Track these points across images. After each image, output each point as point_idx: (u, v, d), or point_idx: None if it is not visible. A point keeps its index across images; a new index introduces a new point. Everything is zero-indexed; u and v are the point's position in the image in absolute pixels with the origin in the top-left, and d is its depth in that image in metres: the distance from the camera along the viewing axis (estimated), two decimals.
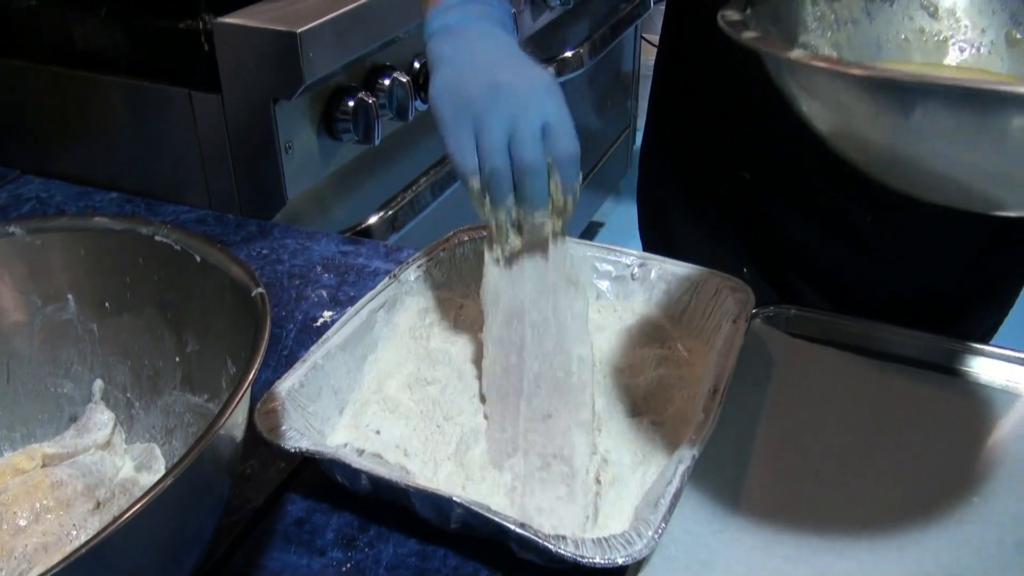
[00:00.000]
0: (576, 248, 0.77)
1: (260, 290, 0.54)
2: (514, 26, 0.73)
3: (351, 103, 1.04)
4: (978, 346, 0.77)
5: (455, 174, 0.67)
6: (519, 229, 0.67)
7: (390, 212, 1.22)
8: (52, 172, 1.12)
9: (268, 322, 0.51)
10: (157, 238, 0.62)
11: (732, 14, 0.55)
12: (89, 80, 1.06)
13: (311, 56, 0.93)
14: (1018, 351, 0.76)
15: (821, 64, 0.48)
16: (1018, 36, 0.67)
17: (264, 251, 0.94)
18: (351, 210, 1.19)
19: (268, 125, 0.97)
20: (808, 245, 0.95)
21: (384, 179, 1.24)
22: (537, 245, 0.67)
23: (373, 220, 1.19)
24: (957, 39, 0.68)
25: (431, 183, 1.29)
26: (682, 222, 1.00)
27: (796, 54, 0.48)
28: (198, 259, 0.60)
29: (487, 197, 0.65)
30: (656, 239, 1.04)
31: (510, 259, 0.68)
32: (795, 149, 0.74)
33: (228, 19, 0.94)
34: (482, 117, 0.64)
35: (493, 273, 0.69)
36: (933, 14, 0.68)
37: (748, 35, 0.52)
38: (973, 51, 0.67)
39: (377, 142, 1.07)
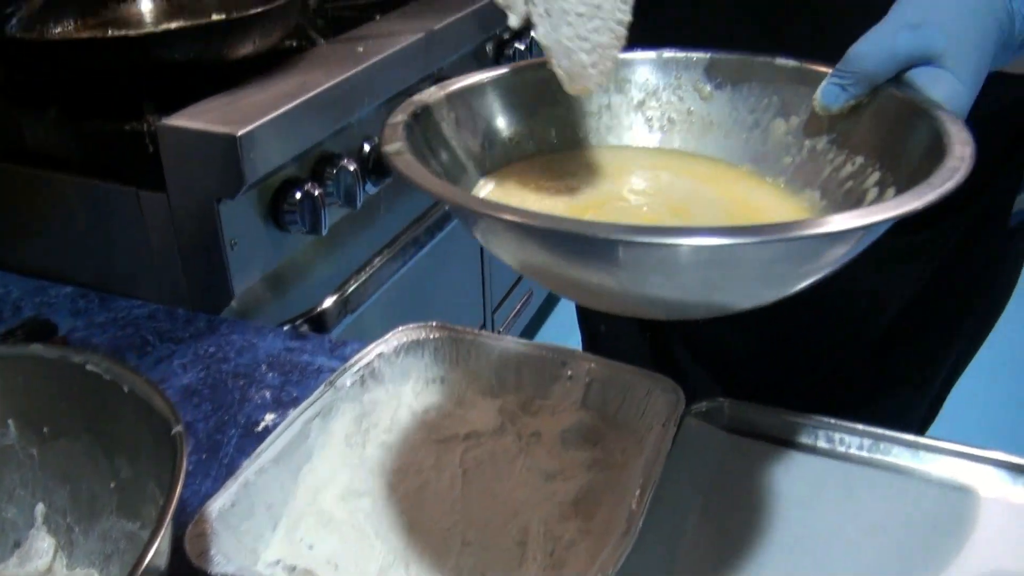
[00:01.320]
0: (511, 345, 0.78)
1: (179, 428, 0.55)
2: None
3: (298, 195, 1.06)
4: (920, 440, 0.76)
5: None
6: None
7: (344, 295, 1.23)
8: (9, 264, 1.13)
9: (184, 462, 0.53)
10: (88, 367, 0.63)
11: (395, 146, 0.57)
12: (41, 177, 1.08)
13: (252, 157, 0.95)
14: (959, 445, 0.75)
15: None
16: (709, 89, 0.71)
17: (211, 349, 0.95)
18: (304, 294, 1.20)
19: (213, 223, 0.99)
20: (719, 336, 0.99)
21: (337, 262, 1.26)
22: None
23: (327, 304, 1.21)
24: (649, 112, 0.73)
25: (384, 262, 1.31)
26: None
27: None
28: (125, 389, 0.61)
29: None
30: (589, 330, 1.07)
31: None
32: None
33: (172, 121, 0.96)
34: None
35: None
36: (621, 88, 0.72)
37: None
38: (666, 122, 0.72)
39: (324, 232, 1.09)
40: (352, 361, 0.80)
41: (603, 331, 1.16)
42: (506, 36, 1.62)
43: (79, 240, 1.10)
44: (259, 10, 1.04)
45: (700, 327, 1.02)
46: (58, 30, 1.23)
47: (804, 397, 0.90)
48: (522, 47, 1.63)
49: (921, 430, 1.00)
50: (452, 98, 0.68)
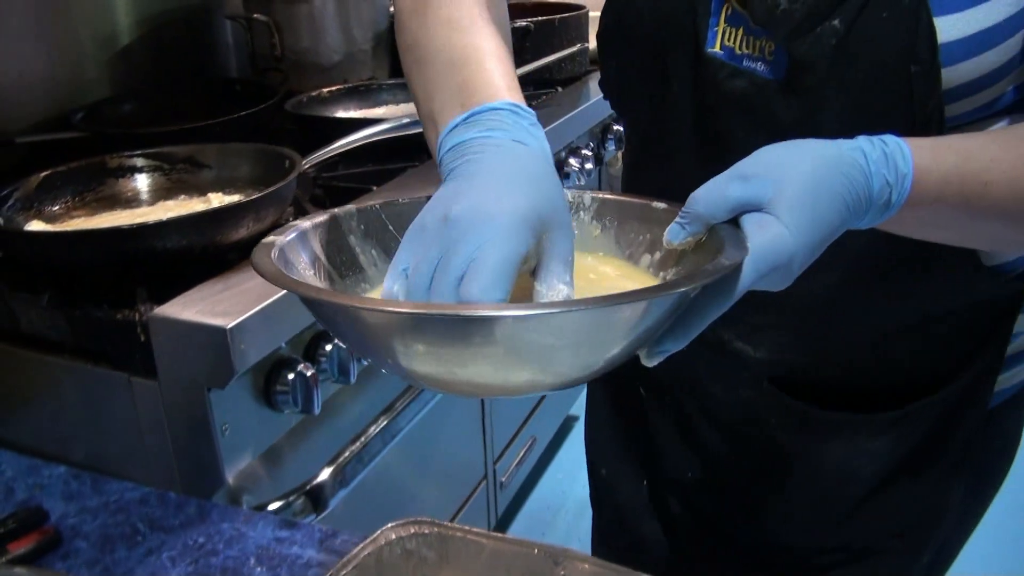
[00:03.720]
0: (502, 545, 0.77)
1: None
2: (539, 132, 0.70)
3: (290, 376, 1.06)
4: None
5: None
6: None
7: (339, 467, 1.22)
8: (3, 441, 1.13)
9: None
10: None
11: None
12: (34, 359, 1.08)
13: (242, 348, 0.95)
14: None
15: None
16: (598, 232, 0.77)
17: (200, 539, 0.94)
18: (298, 467, 1.19)
19: (203, 410, 0.99)
20: (681, 467, 1.04)
21: (330, 433, 1.25)
22: None
23: (323, 477, 1.19)
24: None
25: (380, 430, 1.30)
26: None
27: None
28: None
29: None
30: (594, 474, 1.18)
31: None
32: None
33: (163, 311, 0.97)
34: (419, 252, 0.60)
35: None
36: None
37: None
38: None
39: (317, 411, 1.08)
40: (340, 564, 0.79)
41: (604, 475, 1.19)
42: None
43: (72, 421, 1.10)
44: (255, 196, 1.06)
45: (690, 487, 1.05)
46: (56, 208, 1.25)
47: (780, 557, 0.93)
48: None
49: None
50: (361, 212, 0.74)
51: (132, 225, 0.99)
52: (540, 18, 2.00)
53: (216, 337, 0.94)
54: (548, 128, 1.55)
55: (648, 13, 0.87)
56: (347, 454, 1.25)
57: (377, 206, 0.75)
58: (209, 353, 0.95)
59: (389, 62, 2.01)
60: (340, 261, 0.73)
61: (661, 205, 0.74)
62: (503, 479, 2.02)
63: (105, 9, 1.74)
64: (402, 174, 1.45)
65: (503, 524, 2.21)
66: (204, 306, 0.97)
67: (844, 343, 0.90)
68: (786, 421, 0.95)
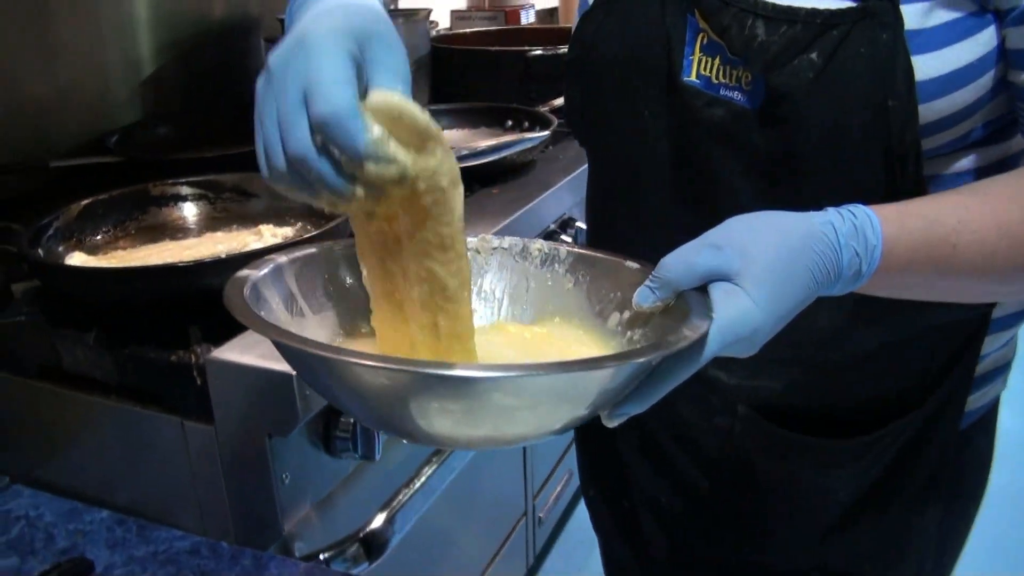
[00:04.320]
0: None
1: None
2: None
3: (350, 420, 1.00)
4: None
5: None
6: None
7: (392, 512, 1.16)
8: (42, 482, 1.07)
9: None
10: None
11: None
12: (77, 400, 1.03)
13: (307, 394, 0.89)
14: None
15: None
16: (570, 286, 0.79)
17: None
18: (352, 513, 1.13)
19: (263, 459, 0.93)
20: (652, 491, 1.06)
21: (383, 478, 1.19)
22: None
23: (377, 524, 1.13)
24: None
25: (432, 474, 1.24)
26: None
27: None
28: None
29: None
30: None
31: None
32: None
33: (221, 354, 0.91)
34: (260, 100, 0.60)
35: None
36: None
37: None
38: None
39: (378, 457, 1.02)
40: None
41: (591, 495, 1.22)
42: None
43: (116, 464, 1.04)
44: (313, 232, 1.01)
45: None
46: (98, 237, 1.20)
47: None
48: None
49: None
50: (343, 246, 0.76)
51: (189, 262, 0.93)
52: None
53: (281, 384, 0.88)
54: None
55: (619, 41, 0.88)
56: (400, 498, 1.19)
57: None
58: (272, 400, 0.89)
59: (429, 87, 1.96)
60: (314, 298, 0.74)
61: (634, 265, 0.76)
62: (541, 515, 1.96)
63: (136, 30, 1.70)
64: None
65: (539, 559, 2.15)
66: (265, 349, 0.91)
67: (816, 368, 0.90)
68: (762, 448, 0.95)
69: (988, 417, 0.99)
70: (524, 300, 0.81)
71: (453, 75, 2.06)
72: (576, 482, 2.22)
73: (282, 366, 0.88)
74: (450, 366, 0.56)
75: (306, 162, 0.58)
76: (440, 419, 0.58)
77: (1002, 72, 0.76)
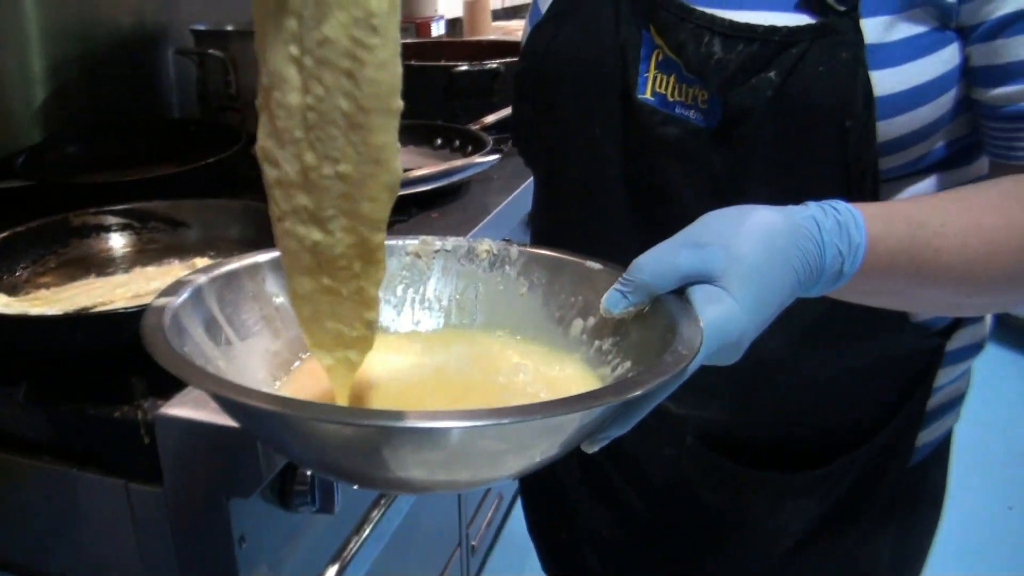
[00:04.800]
0: None
1: None
2: None
3: (308, 472, 0.93)
4: None
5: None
6: None
7: (344, 563, 1.09)
8: None
9: None
10: None
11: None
12: (6, 462, 0.92)
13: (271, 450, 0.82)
14: None
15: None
16: (525, 290, 0.74)
17: None
18: (304, 566, 1.06)
19: (222, 522, 0.85)
20: (594, 524, 1.04)
21: (330, 527, 1.12)
22: None
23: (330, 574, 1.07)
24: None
25: (378, 519, 1.18)
26: None
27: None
28: None
29: None
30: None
31: None
32: None
33: (172, 410, 0.83)
34: None
35: None
36: None
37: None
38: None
39: (337, 509, 0.96)
40: None
41: (533, 520, 1.20)
42: None
43: (50, 532, 0.94)
44: None
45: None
46: (17, 275, 1.10)
47: None
48: None
49: None
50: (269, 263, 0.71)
51: (134, 308, 0.85)
52: (510, 59, 1.88)
53: (241, 440, 0.80)
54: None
55: (571, 56, 0.85)
56: (352, 547, 1.12)
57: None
58: (231, 458, 0.82)
59: None
60: (240, 321, 0.68)
61: (595, 266, 0.70)
62: (474, 543, 1.91)
63: (32, 44, 1.57)
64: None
65: None
66: None
67: (768, 399, 0.89)
68: (711, 479, 0.93)
69: (941, 449, 0.98)
70: (473, 307, 0.76)
71: None
72: (506, 504, 2.18)
73: None
74: (424, 416, 0.49)
75: None
76: (416, 468, 0.53)
77: (964, 91, 0.75)
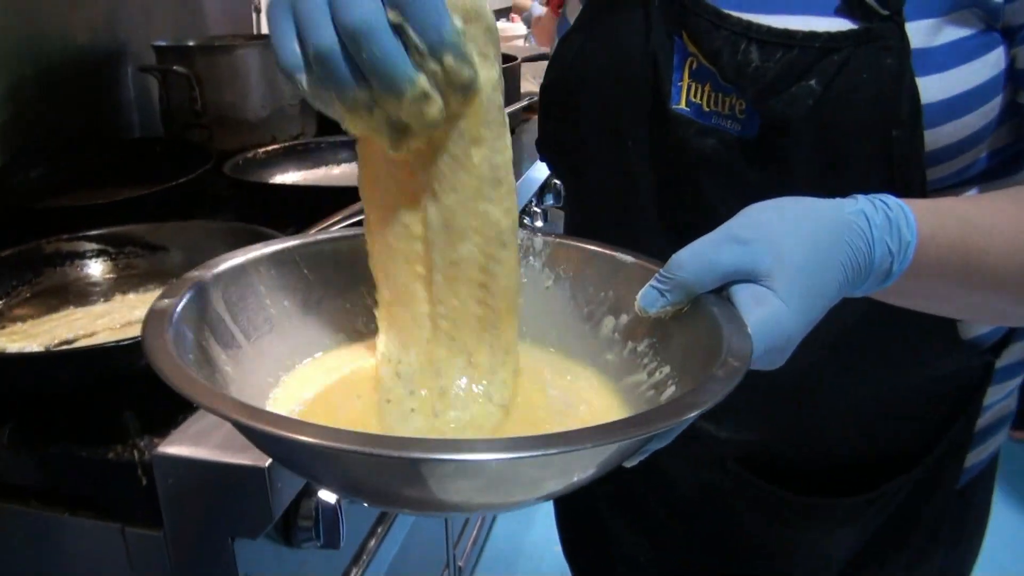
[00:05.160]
0: None
1: None
2: None
3: (312, 506, 0.89)
4: None
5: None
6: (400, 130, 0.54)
7: None
8: None
9: None
10: None
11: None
12: None
13: (280, 487, 0.77)
14: None
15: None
16: (549, 284, 0.69)
17: None
18: None
19: (227, 565, 0.80)
20: (628, 544, 1.01)
21: (327, 558, 1.07)
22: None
23: None
24: None
25: (376, 547, 1.14)
26: None
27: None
28: None
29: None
30: None
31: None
32: None
33: (170, 448, 0.78)
34: None
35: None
36: None
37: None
38: None
39: (342, 545, 0.91)
40: None
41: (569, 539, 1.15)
42: None
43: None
44: None
45: None
46: None
47: None
48: None
49: None
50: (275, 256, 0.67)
51: (126, 341, 0.80)
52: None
53: (249, 479, 0.76)
54: None
55: (600, 66, 0.81)
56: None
57: (292, 245, 0.67)
58: (238, 498, 0.77)
59: (317, 117, 1.84)
60: (247, 320, 0.63)
61: (629, 258, 0.66)
62: (460, 563, 1.87)
63: None
64: None
65: None
66: (220, 438, 0.79)
67: (814, 421, 0.85)
68: (753, 505, 0.89)
69: (987, 472, 0.95)
70: None
71: None
72: (488, 523, 2.14)
73: (248, 459, 0.76)
74: (471, 447, 0.45)
75: (371, 36, 0.48)
76: (455, 494, 0.50)
77: (1010, 95, 0.71)
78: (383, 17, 0.48)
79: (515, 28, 3.75)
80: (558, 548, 1.17)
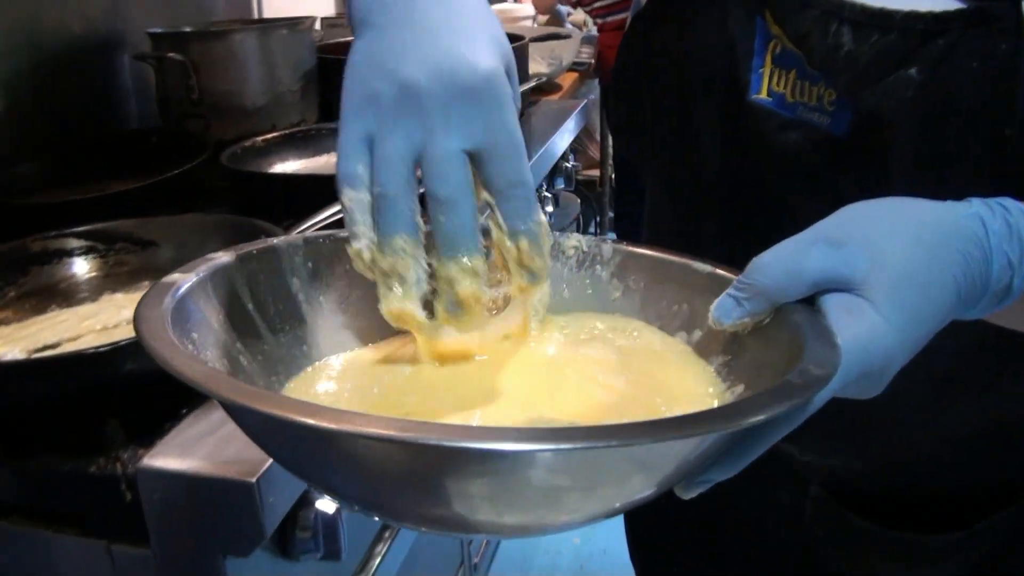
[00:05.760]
0: None
1: None
2: None
3: (312, 517, 0.84)
4: None
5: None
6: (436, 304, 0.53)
7: None
8: None
9: None
10: None
11: None
12: None
13: (271, 501, 0.72)
14: None
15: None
16: (618, 295, 0.65)
17: None
18: None
19: None
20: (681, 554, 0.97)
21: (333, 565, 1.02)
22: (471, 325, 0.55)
23: None
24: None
25: (384, 552, 1.09)
26: None
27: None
28: None
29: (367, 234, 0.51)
30: None
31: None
32: None
33: (155, 460, 0.73)
34: (384, 123, 0.49)
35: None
36: None
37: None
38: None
39: (344, 557, 0.86)
40: None
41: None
42: None
43: None
44: None
45: None
46: None
47: None
48: None
49: None
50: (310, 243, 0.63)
51: (108, 347, 0.75)
52: None
53: (238, 494, 0.71)
54: None
55: (672, 50, 0.74)
56: None
57: (331, 237, 0.63)
58: (226, 512, 0.72)
59: (318, 104, 1.78)
60: (275, 311, 0.60)
61: (705, 268, 0.60)
62: (476, 560, 1.82)
63: None
64: None
65: None
66: (208, 448, 0.74)
67: (906, 449, 0.77)
68: (836, 537, 0.81)
69: None
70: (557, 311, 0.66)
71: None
72: None
73: (237, 472, 0.71)
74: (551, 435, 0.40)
75: (455, 207, 0.48)
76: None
77: None
78: (469, 192, 0.49)
79: (524, 8, 3.67)
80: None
